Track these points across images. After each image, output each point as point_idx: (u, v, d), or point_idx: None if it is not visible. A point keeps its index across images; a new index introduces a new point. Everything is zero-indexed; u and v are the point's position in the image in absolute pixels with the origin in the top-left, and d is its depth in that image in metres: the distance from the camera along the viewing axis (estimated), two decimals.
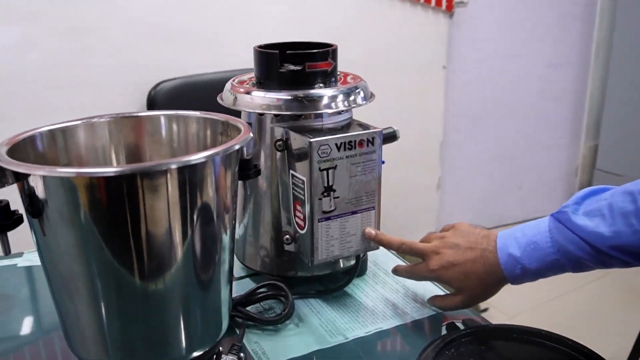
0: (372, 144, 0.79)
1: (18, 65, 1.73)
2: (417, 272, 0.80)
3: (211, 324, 0.63)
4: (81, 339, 0.59)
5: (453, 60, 2.53)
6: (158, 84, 1.93)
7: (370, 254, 0.97)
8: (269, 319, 0.79)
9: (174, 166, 0.52)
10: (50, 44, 1.76)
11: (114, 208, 0.52)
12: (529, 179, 2.97)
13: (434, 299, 0.82)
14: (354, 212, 0.80)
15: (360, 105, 0.82)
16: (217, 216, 0.58)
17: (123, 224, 0.52)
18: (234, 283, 0.90)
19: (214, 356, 0.65)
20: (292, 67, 0.79)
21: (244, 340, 0.76)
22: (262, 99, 0.79)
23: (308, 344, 0.75)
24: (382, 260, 0.97)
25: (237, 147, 0.57)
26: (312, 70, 0.80)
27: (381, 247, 1.00)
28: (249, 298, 0.81)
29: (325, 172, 0.76)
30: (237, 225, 0.90)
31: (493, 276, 0.73)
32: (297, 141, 0.77)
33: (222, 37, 1.98)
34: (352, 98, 0.81)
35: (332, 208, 0.78)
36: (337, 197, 0.78)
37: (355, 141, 0.77)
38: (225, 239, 0.61)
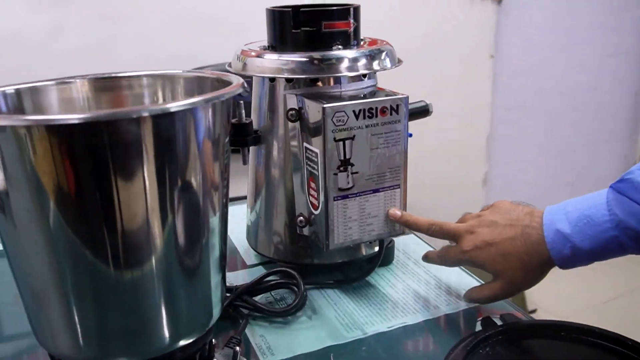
0: (397, 112, 0.69)
1: (48, 53, 1.70)
2: (449, 256, 0.70)
3: (198, 311, 0.54)
4: (49, 331, 0.51)
5: (501, 49, 2.39)
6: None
7: (399, 241, 0.88)
8: (277, 309, 0.70)
9: (146, 114, 0.44)
10: (80, 31, 1.72)
11: (75, 168, 0.44)
12: (582, 175, 2.79)
13: (470, 292, 0.72)
14: (375, 191, 0.70)
15: (385, 69, 0.72)
16: (203, 183, 0.50)
17: (88, 189, 0.44)
18: (244, 272, 0.81)
19: (207, 347, 0.57)
20: (307, 28, 0.70)
21: (248, 334, 0.67)
22: (273, 62, 0.70)
23: (320, 339, 0.66)
24: (413, 249, 0.87)
25: (225, 97, 0.48)
26: (330, 30, 0.71)
27: (412, 234, 0.90)
28: (256, 286, 0.72)
29: (341, 143, 0.67)
30: (249, 211, 0.81)
31: (536, 257, 0.62)
32: (311, 109, 0.68)
33: (253, 25, 1.91)
34: (375, 62, 0.72)
35: (350, 185, 0.69)
36: (356, 173, 0.68)
37: (376, 108, 0.67)
38: (213, 210, 0.53)
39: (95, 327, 0.50)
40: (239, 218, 0.89)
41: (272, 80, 0.73)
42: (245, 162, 0.59)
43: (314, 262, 0.77)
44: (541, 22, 2.44)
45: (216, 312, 0.56)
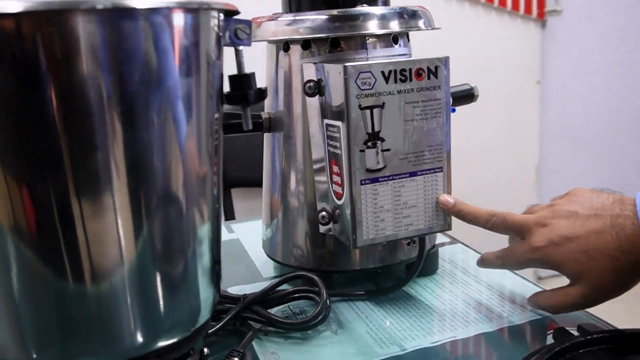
0: (436, 76, 0.56)
1: None
2: (514, 255, 0.56)
3: (180, 307, 0.42)
4: None
5: (548, 74, 2.25)
6: None
7: (444, 251, 0.74)
8: (294, 321, 0.56)
9: (86, 7, 0.32)
10: None
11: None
12: None
13: (537, 297, 0.57)
14: (412, 174, 0.57)
15: (418, 28, 0.61)
16: (185, 108, 0.39)
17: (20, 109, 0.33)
18: (259, 284, 0.68)
19: (195, 355, 0.44)
20: None
21: (258, 351, 0.54)
22: (288, 24, 0.60)
23: (347, 356, 0.52)
24: (460, 258, 0.73)
25: (215, 6, 0.37)
26: None
27: (458, 242, 0.76)
28: (269, 295, 0.59)
29: (368, 111, 0.54)
30: (264, 211, 0.69)
31: (632, 255, 0.48)
32: (332, 73, 0.56)
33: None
34: (407, 21, 0.60)
35: (381, 165, 0.56)
36: (387, 151, 0.56)
37: (410, 70, 0.55)
38: (197, 177, 0.41)
39: (44, 324, 0.39)
40: (258, 233, 0.76)
41: (287, 49, 0.62)
42: (247, 125, 0.48)
43: (340, 268, 0.64)
44: (589, 45, 2.29)
45: (206, 309, 0.43)
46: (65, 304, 0.38)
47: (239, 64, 0.47)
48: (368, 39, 0.59)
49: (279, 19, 0.60)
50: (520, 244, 0.55)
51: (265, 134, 0.67)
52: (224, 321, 0.55)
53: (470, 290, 0.64)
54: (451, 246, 0.76)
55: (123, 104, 0.35)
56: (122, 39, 0.34)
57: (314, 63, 0.59)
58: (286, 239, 0.66)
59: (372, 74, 0.54)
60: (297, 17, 0.59)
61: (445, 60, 0.57)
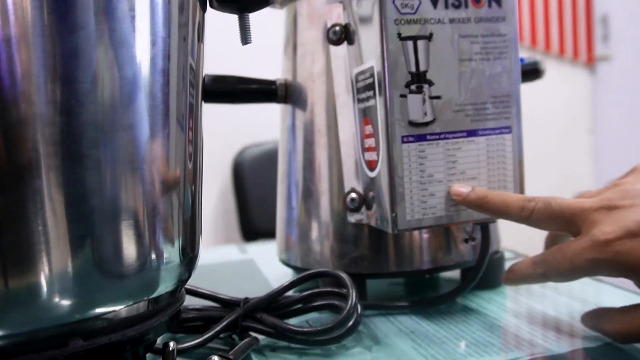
0: (499, 4, 0.43)
1: None
2: (564, 258, 0.37)
3: (122, 260, 0.27)
4: None
5: (600, 123, 2.10)
6: (243, 150, 1.70)
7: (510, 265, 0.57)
8: (309, 330, 0.40)
9: None
10: None
11: None
12: None
13: (598, 317, 0.39)
14: (471, 133, 0.43)
15: None
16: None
17: None
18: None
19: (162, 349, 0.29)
20: None
21: None
22: None
23: None
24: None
25: None
26: None
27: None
28: (278, 300, 0.44)
29: (410, 43, 0.41)
30: (279, 204, 0.55)
31: None
32: (362, 4, 0.43)
33: None
34: None
35: (429, 118, 0.42)
36: (438, 98, 0.42)
37: None
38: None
39: None
40: (273, 253, 0.61)
41: None
42: (246, 39, 0.35)
43: (375, 272, 0.48)
44: None
45: (167, 275, 0.29)
46: None
47: None
48: None
49: None
50: (574, 240, 0.37)
51: (280, 107, 0.54)
52: (215, 330, 0.40)
53: (549, 303, 0.47)
54: (517, 260, 0.60)
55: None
56: None
57: (341, 2, 0.46)
58: (305, 235, 0.51)
59: None
60: None
61: None
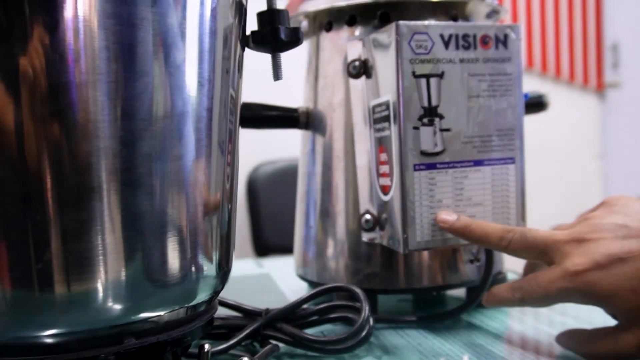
0: (505, 46, 0.47)
1: None
2: (538, 285, 0.40)
3: (169, 271, 0.31)
4: None
5: (610, 149, 2.13)
6: (257, 167, 1.74)
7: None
8: (326, 339, 0.44)
9: None
10: None
11: None
12: None
13: (572, 337, 0.43)
14: (478, 163, 0.47)
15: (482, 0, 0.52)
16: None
17: None
18: None
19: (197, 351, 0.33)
20: None
21: None
22: None
23: None
24: None
25: None
26: None
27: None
28: (297, 311, 0.47)
29: (424, 80, 0.45)
30: (297, 223, 0.59)
31: None
32: (380, 40, 0.47)
33: None
34: None
35: (439, 148, 0.46)
36: (448, 130, 0.46)
37: (474, 36, 0.46)
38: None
39: None
40: (289, 268, 0.65)
41: (329, 28, 0.54)
42: (277, 75, 0.39)
43: (386, 287, 0.52)
44: None
45: (204, 285, 0.33)
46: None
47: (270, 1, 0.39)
48: (423, 17, 0.51)
49: None
50: (548, 270, 0.40)
51: (301, 133, 0.59)
52: (239, 337, 0.44)
53: (546, 321, 0.51)
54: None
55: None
56: None
57: (361, 40, 0.51)
58: (322, 253, 0.55)
59: (429, 36, 0.45)
60: None
61: (516, 29, 0.47)
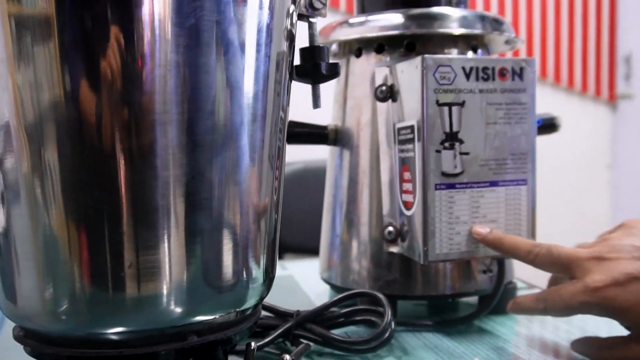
0: (521, 78, 0.52)
1: None
2: (560, 298, 0.45)
3: (225, 280, 0.36)
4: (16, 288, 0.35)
5: (619, 159, 2.16)
6: None
7: (523, 293, 0.65)
8: (352, 340, 0.49)
9: None
10: None
11: None
12: None
13: (586, 344, 0.48)
14: (493, 184, 0.52)
15: (500, 33, 0.57)
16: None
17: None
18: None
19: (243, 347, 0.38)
20: None
21: None
22: (362, 25, 0.57)
23: None
24: None
25: None
26: None
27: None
28: (325, 314, 0.52)
29: (446, 109, 0.50)
30: (323, 231, 0.64)
31: None
32: (407, 70, 0.52)
33: None
34: (488, 25, 0.57)
35: (458, 170, 0.50)
36: (466, 154, 0.51)
37: (493, 69, 0.51)
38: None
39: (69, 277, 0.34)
40: (312, 270, 0.70)
41: (359, 54, 0.58)
42: (316, 104, 0.44)
43: (405, 294, 0.57)
44: None
45: (253, 292, 0.38)
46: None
47: (312, 36, 0.44)
48: (446, 47, 0.56)
49: (351, 20, 0.58)
50: (569, 283, 0.45)
51: (329, 148, 0.63)
52: (273, 336, 0.49)
53: (553, 330, 0.55)
54: (529, 291, 0.68)
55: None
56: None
57: (388, 67, 0.55)
58: (346, 259, 0.60)
59: (452, 68, 0.50)
60: (369, 18, 0.57)
61: (531, 62, 0.52)
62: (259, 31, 0.37)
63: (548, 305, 0.46)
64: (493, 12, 1.92)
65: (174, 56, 0.32)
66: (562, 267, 0.46)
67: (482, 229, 0.51)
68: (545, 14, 1.97)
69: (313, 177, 1.67)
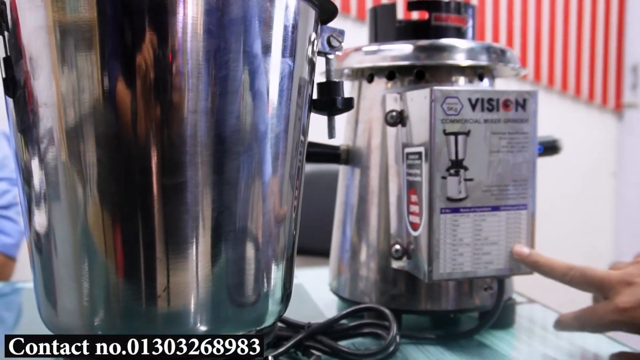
0: (524, 109, 0.55)
1: None
2: (595, 316, 0.51)
3: (248, 300, 0.40)
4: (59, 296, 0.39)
5: (625, 167, 2.18)
6: None
7: (522, 309, 0.69)
8: (360, 352, 0.53)
9: None
10: None
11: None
12: None
13: (621, 357, 0.52)
14: (495, 208, 0.55)
15: (505, 64, 0.60)
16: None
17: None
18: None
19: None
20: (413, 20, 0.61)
21: None
22: (374, 53, 0.60)
23: None
24: (540, 316, 0.68)
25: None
26: (440, 24, 0.60)
27: (537, 303, 0.71)
28: (334, 326, 0.56)
29: (452, 137, 0.53)
30: (334, 245, 0.67)
31: None
32: (416, 99, 0.55)
33: None
34: (494, 57, 0.60)
35: (463, 195, 0.54)
36: (471, 180, 0.54)
37: (497, 100, 0.54)
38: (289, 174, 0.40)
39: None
40: (321, 279, 0.74)
41: (371, 80, 0.62)
42: (331, 134, 0.47)
43: (410, 308, 0.60)
44: None
45: (272, 311, 0.41)
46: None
47: (329, 72, 0.47)
48: (454, 75, 0.59)
49: (363, 48, 0.61)
50: (603, 303, 0.51)
51: (341, 167, 0.67)
52: (286, 347, 0.53)
53: (551, 347, 0.59)
54: (529, 305, 0.71)
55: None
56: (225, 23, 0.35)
57: (398, 93, 0.58)
58: (355, 274, 0.63)
59: (458, 99, 0.53)
60: (381, 47, 0.60)
61: (534, 95, 0.55)
62: (281, 79, 0.40)
63: (584, 323, 0.52)
64: (501, 20, 1.95)
65: (205, 103, 0.36)
66: (595, 288, 0.52)
67: (523, 249, 0.55)
68: (553, 24, 2.00)
69: (321, 180, 1.73)
